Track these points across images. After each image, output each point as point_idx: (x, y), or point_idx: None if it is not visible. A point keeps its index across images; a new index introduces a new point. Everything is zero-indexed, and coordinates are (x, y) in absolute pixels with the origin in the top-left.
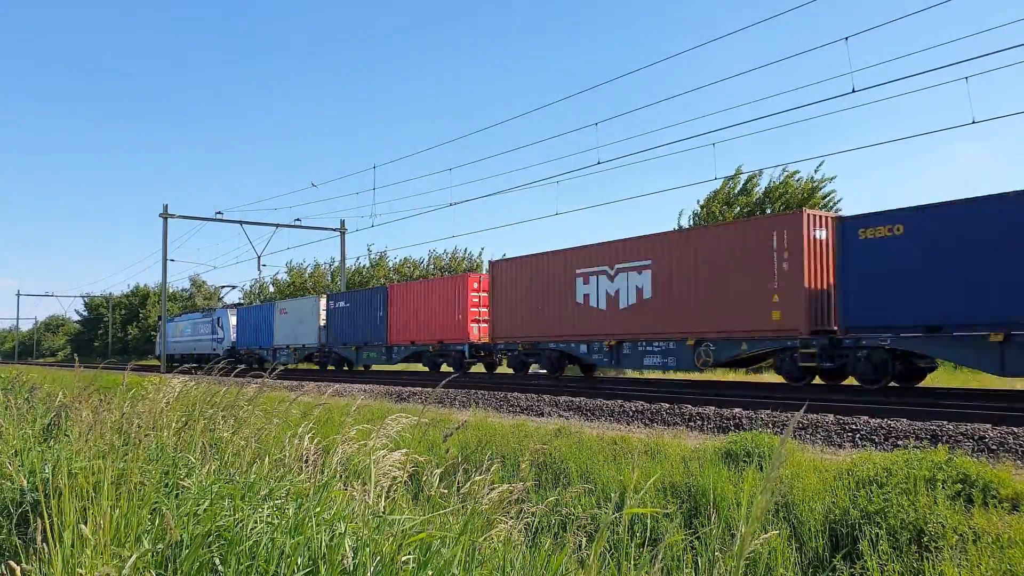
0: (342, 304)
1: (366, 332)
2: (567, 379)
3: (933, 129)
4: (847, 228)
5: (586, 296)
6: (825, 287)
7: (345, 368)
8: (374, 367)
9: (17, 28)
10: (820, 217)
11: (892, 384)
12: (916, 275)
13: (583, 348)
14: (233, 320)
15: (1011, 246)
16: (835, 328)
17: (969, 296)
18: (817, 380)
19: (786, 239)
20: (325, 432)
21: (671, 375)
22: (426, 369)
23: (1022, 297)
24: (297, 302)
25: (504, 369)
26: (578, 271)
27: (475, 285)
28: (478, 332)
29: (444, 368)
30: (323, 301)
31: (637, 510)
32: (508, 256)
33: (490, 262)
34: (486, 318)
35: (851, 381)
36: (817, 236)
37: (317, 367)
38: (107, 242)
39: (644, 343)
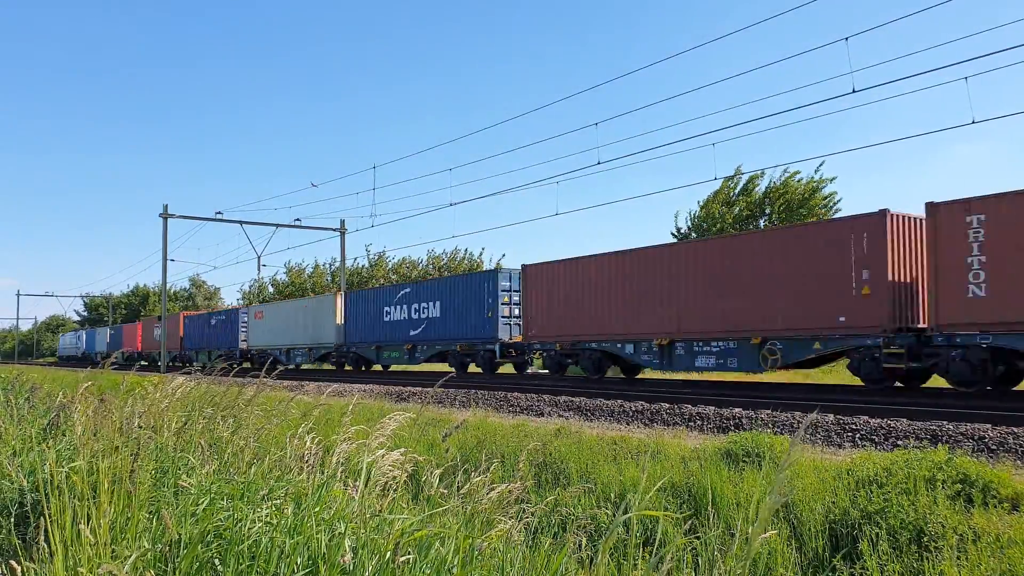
0: (112, 332)
1: (123, 344)
2: (567, 379)
3: (933, 129)
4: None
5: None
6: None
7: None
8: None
9: (17, 28)
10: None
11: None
12: None
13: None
14: (84, 335)
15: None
16: None
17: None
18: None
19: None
20: (325, 432)
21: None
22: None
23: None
24: (103, 329)
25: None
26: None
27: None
28: (141, 344)
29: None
30: (107, 329)
31: (648, 513)
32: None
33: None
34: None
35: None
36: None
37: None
38: (107, 242)
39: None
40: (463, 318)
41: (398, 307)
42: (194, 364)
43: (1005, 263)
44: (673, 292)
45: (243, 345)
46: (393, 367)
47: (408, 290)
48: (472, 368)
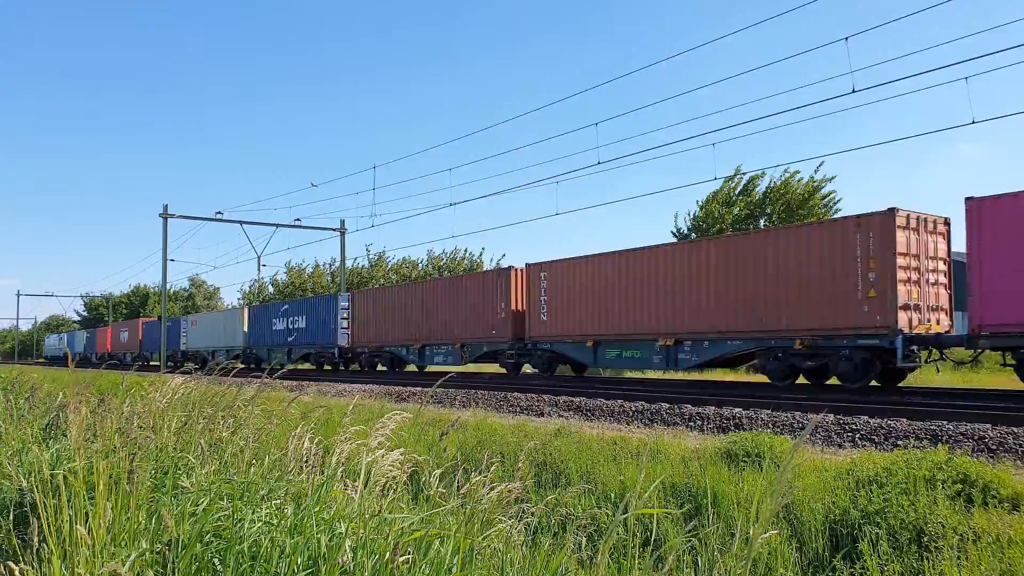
0: (88, 335)
1: (96, 346)
2: (568, 379)
3: (933, 129)
4: None
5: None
6: None
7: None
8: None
9: (17, 28)
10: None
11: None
12: None
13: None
14: (65, 337)
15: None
16: None
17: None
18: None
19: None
20: (325, 432)
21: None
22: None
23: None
24: (80, 332)
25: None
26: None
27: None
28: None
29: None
30: (84, 333)
31: (646, 510)
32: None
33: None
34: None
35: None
36: None
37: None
38: (107, 242)
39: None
40: (319, 328)
41: (281, 319)
42: (148, 361)
43: (554, 302)
44: (422, 313)
45: (183, 347)
46: (288, 366)
47: (287, 306)
48: (327, 367)
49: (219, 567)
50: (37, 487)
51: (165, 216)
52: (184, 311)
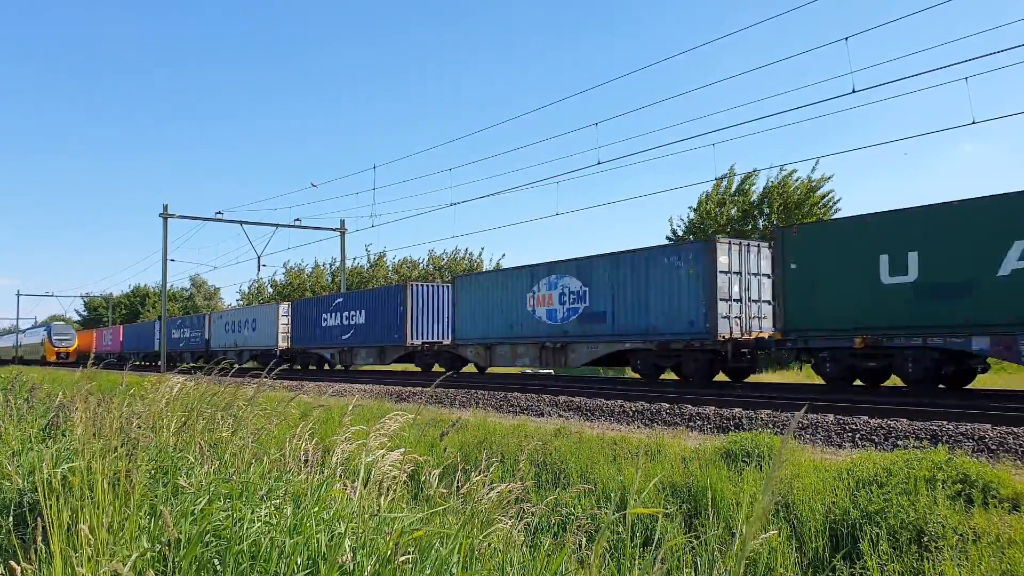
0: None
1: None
2: (568, 379)
3: (933, 129)
4: None
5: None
6: None
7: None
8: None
9: (17, 28)
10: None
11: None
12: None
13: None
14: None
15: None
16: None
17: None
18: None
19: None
20: (325, 432)
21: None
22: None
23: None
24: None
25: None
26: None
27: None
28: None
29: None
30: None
31: (640, 511)
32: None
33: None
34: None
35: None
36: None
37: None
38: (107, 242)
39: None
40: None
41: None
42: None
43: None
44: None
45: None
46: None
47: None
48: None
49: (219, 567)
50: (39, 485)
51: (165, 216)
52: (184, 311)
